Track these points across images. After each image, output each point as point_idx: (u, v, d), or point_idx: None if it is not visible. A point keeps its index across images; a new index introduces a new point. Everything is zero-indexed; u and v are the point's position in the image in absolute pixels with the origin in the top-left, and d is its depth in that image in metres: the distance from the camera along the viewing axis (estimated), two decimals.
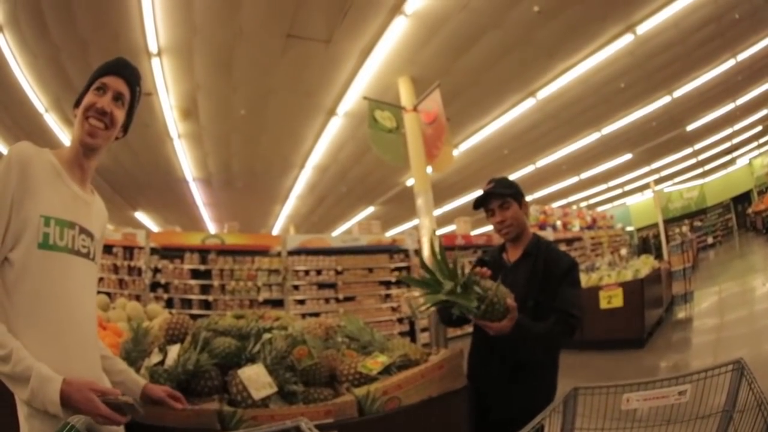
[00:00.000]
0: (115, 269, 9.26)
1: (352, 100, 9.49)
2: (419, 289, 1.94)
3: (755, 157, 25.41)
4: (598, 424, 1.46)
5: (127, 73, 1.68)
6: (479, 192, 2.47)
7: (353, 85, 8.97)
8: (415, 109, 8.32)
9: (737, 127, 18.52)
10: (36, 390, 1.28)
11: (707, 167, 26.57)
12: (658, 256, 12.93)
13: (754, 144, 23.03)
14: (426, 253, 8.11)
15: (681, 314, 8.91)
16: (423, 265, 1.90)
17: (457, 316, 1.90)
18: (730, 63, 11.29)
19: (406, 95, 8.67)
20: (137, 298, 8.69)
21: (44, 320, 1.41)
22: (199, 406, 1.88)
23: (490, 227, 1.90)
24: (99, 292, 1.85)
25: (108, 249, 9.01)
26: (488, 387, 2.30)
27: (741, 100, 14.88)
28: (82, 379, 1.36)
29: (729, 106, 15.24)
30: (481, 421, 2.25)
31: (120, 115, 1.63)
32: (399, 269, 11.69)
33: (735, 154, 24.59)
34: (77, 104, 1.62)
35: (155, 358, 2.14)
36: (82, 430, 0.89)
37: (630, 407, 1.39)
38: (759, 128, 19.51)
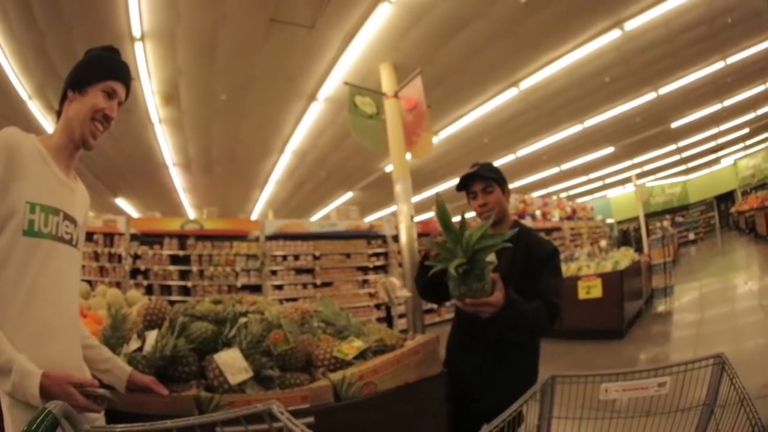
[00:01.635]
0: (96, 257, 9.19)
1: (333, 85, 9.44)
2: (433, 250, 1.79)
3: (741, 159, 25.69)
4: (576, 413, 1.44)
5: (130, 82, 1.78)
6: (458, 179, 2.45)
7: (335, 70, 8.91)
8: (395, 95, 8.29)
9: (723, 127, 18.65)
10: (17, 384, 1.30)
11: (691, 164, 26.83)
12: (638, 249, 13.02)
13: (740, 145, 23.25)
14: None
15: (661, 308, 8.94)
16: (445, 224, 1.73)
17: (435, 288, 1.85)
18: (720, 65, 11.34)
19: (387, 81, 8.65)
20: (117, 285, 8.57)
21: (27, 307, 1.41)
22: (177, 392, 1.88)
23: (468, 215, 1.79)
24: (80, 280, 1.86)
25: (89, 236, 8.88)
26: (468, 373, 2.28)
27: (729, 102, 14.97)
28: (60, 372, 1.37)
29: (716, 107, 15.33)
30: (461, 409, 2.23)
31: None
32: (377, 255, 11.71)
33: (720, 153, 24.83)
34: (75, 86, 1.63)
35: (134, 344, 2.13)
36: (60, 416, 0.89)
37: (609, 397, 1.37)
38: (746, 130, 19.70)
